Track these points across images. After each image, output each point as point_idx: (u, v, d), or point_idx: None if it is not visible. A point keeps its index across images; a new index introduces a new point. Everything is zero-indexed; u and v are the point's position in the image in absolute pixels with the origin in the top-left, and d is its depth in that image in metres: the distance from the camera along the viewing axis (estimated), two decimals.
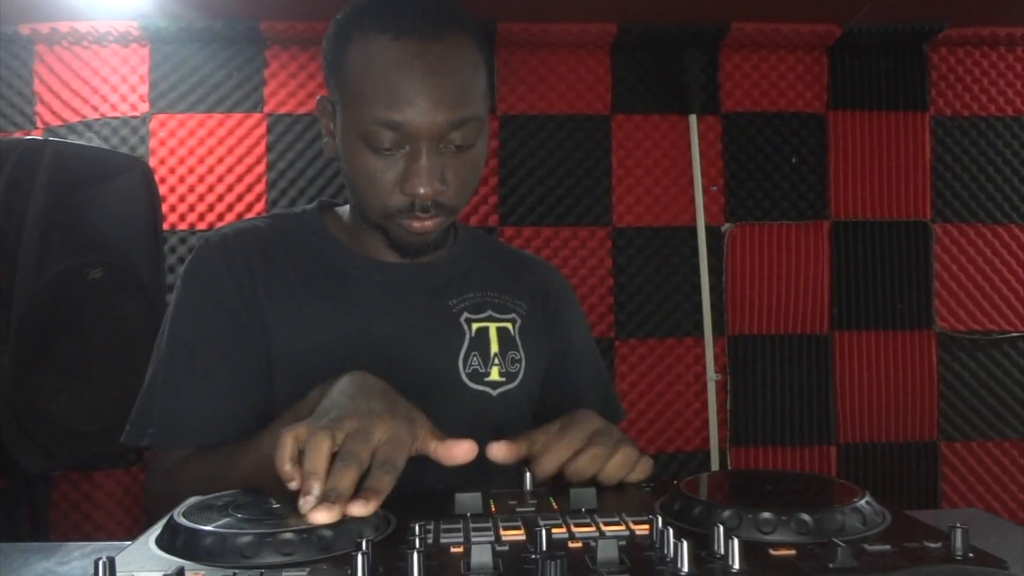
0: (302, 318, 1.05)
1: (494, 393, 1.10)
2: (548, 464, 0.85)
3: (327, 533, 0.62)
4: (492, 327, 1.12)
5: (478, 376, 1.10)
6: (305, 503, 0.65)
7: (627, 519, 0.67)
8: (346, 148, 1.01)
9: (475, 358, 1.10)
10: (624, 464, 0.86)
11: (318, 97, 1.08)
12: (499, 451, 0.86)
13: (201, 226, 2.40)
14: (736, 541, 0.56)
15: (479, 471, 0.86)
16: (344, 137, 1.01)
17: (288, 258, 1.09)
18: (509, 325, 1.14)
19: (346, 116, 1.00)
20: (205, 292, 1.06)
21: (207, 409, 1.02)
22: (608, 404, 1.25)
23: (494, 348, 1.11)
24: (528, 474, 0.82)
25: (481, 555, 0.57)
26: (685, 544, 0.56)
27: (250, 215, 2.40)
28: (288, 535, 0.60)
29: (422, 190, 0.97)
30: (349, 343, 1.05)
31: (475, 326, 1.11)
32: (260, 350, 1.04)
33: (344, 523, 0.64)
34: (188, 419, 1.02)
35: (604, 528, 0.66)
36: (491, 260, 1.22)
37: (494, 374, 1.11)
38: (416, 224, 1.01)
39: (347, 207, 1.16)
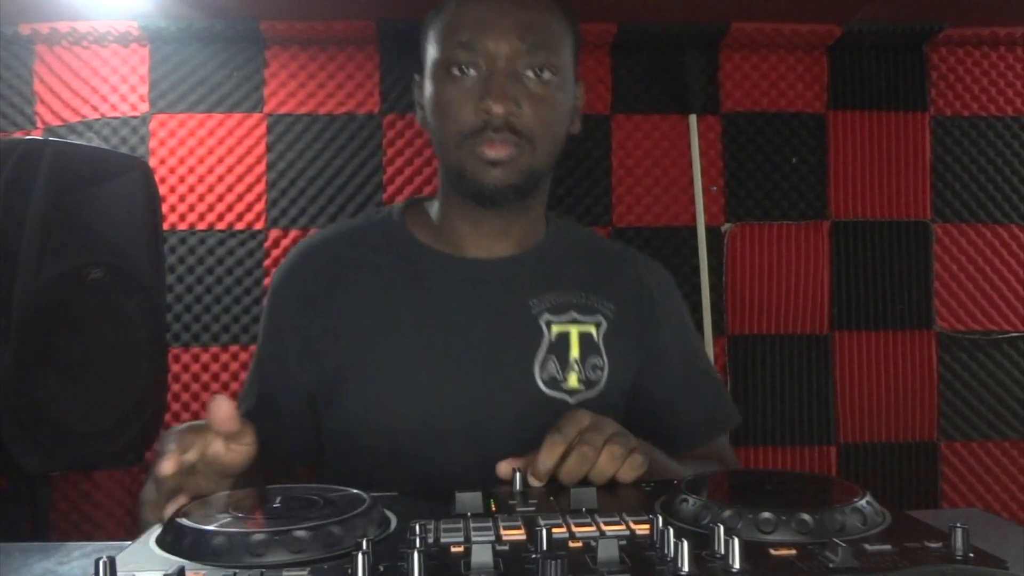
0: (377, 324, 1.06)
1: (572, 401, 1.05)
2: (540, 467, 0.82)
3: (329, 532, 0.62)
4: (574, 330, 1.07)
5: (555, 383, 1.05)
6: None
7: (627, 519, 0.67)
8: (430, 90, 1.04)
9: (552, 363, 1.05)
10: (609, 462, 0.83)
11: (414, 77, 1.12)
12: (505, 469, 0.84)
13: (201, 226, 2.40)
14: (736, 541, 0.56)
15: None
16: (429, 82, 1.05)
17: (367, 265, 1.10)
18: (593, 329, 1.09)
19: (432, 60, 1.04)
20: (271, 316, 1.14)
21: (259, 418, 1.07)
22: (718, 408, 1.20)
23: (574, 353, 1.07)
24: (518, 475, 0.81)
25: (481, 555, 0.57)
26: (685, 544, 0.56)
27: (250, 215, 2.40)
28: (289, 534, 0.60)
29: (494, 106, 0.97)
30: (422, 348, 1.04)
31: (555, 329, 1.07)
32: (306, 378, 1.08)
33: (347, 522, 0.64)
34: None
35: (604, 528, 0.66)
36: (583, 255, 1.16)
37: (572, 381, 1.06)
38: (489, 150, 1.00)
39: (436, 201, 1.16)
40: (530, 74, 1.00)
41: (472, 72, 1.00)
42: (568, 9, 1.07)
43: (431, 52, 1.05)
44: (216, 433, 0.80)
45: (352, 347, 1.06)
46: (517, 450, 0.98)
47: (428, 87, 1.06)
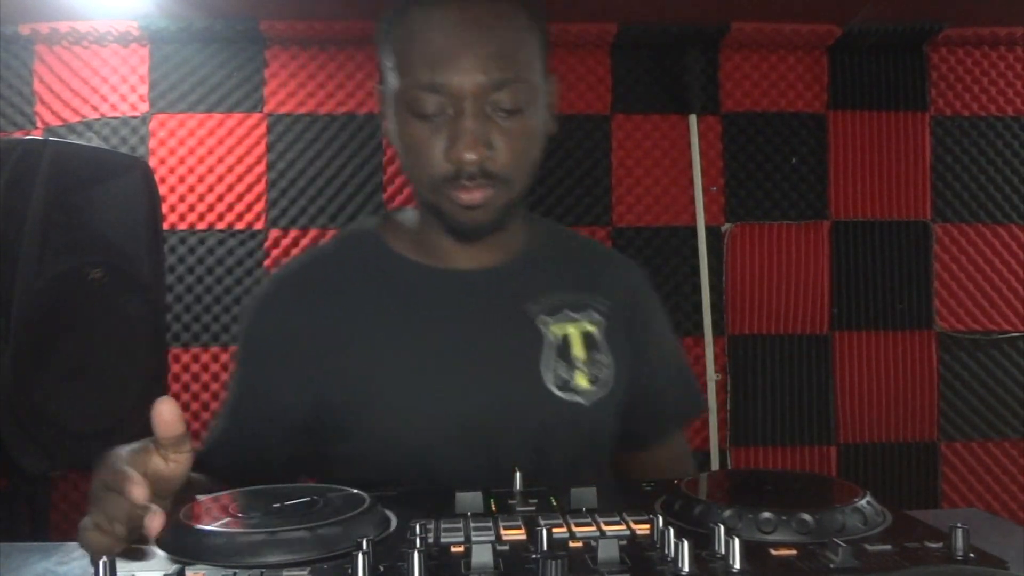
0: (374, 348, 1.02)
1: (586, 403, 1.02)
2: None
3: (329, 532, 0.62)
4: (574, 329, 1.05)
5: (565, 385, 1.02)
6: None
7: (628, 519, 0.67)
8: (396, 124, 0.98)
9: (559, 365, 1.03)
10: None
11: (375, 86, 1.05)
12: None
13: (201, 226, 2.40)
14: (737, 541, 0.56)
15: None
16: (394, 114, 0.98)
17: (349, 288, 1.05)
18: (592, 327, 1.06)
19: (394, 90, 0.97)
20: (248, 354, 1.08)
21: (221, 446, 1.05)
22: (687, 397, 1.20)
23: (576, 352, 1.04)
24: (518, 475, 0.81)
25: (482, 554, 0.57)
26: (686, 544, 0.55)
27: (250, 215, 2.40)
28: (289, 534, 0.60)
29: (465, 155, 0.92)
30: (425, 367, 1.01)
31: (554, 330, 1.04)
32: (296, 413, 1.03)
33: (347, 522, 0.64)
34: (206, 449, 1.06)
35: (605, 528, 0.66)
36: (569, 256, 1.14)
37: (580, 380, 1.03)
38: (464, 195, 0.95)
39: (412, 211, 1.11)
40: (503, 105, 0.93)
41: (438, 113, 0.93)
42: (533, 6, 0.99)
43: (390, 79, 0.98)
44: (156, 446, 0.77)
45: (353, 378, 1.02)
46: (537, 458, 0.97)
47: (391, 118, 0.99)
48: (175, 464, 0.78)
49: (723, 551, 0.57)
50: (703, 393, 1.23)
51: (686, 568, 0.55)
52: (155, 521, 0.68)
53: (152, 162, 2.33)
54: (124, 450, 0.77)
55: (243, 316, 1.11)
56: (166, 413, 0.77)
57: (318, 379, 1.02)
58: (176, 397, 2.31)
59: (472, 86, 0.91)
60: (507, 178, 0.96)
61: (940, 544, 0.59)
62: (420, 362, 1.01)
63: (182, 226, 2.39)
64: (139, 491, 0.69)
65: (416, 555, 0.53)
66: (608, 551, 0.57)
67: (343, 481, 0.86)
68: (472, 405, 1.01)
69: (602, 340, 1.06)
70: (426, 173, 0.96)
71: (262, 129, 2.41)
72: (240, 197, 2.41)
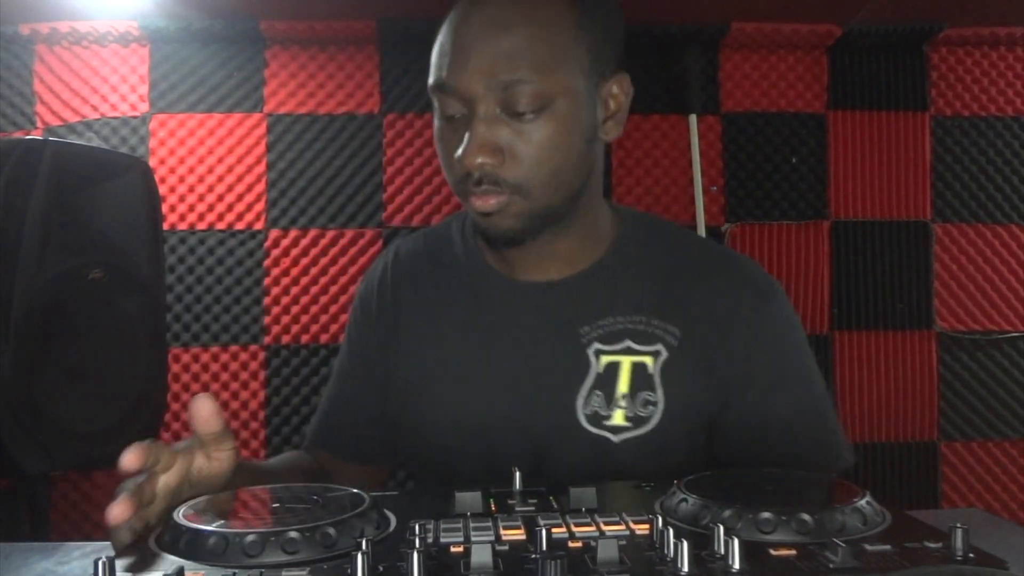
0: (435, 346, 1.04)
1: (615, 440, 0.95)
2: None
3: (329, 532, 0.62)
4: (626, 362, 0.96)
5: (597, 419, 0.96)
6: None
7: (627, 519, 0.67)
8: (434, 125, 0.97)
9: (597, 398, 0.96)
10: None
11: None
12: None
13: (201, 226, 2.40)
14: (736, 541, 0.56)
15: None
16: (434, 115, 0.97)
17: (435, 282, 1.08)
18: (649, 360, 0.96)
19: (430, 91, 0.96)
20: (352, 324, 1.16)
21: (330, 422, 1.16)
22: (822, 447, 1.00)
23: (622, 388, 0.96)
24: (518, 474, 0.81)
25: (481, 555, 0.57)
26: (685, 544, 0.55)
27: (250, 215, 2.40)
28: (289, 534, 0.60)
29: (467, 160, 0.88)
30: (471, 375, 1.01)
31: (604, 360, 0.97)
32: (379, 384, 1.10)
33: (346, 522, 0.64)
34: (315, 427, 1.17)
35: (604, 528, 0.66)
36: (653, 268, 1.02)
37: (617, 418, 0.95)
38: (477, 202, 0.91)
39: None
40: (515, 108, 0.88)
41: (456, 115, 0.91)
42: (581, 4, 0.91)
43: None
44: (200, 441, 0.79)
45: (416, 366, 1.05)
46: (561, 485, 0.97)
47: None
48: (217, 462, 0.80)
49: (723, 551, 0.57)
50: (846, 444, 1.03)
51: (686, 568, 0.55)
52: (115, 509, 0.67)
53: (152, 162, 2.33)
54: (160, 443, 0.78)
55: (360, 287, 1.17)
56: (203, 410, 0.77)
57: (394, 356, 1.07)
58: (176, 397, 2.32)
59: (479, 87, 0.88)
60: (523, 186, 0.90)
61: (940, 544, 0.59)
62: (468, 369, 1.02)
63: (182, 226, 2.39)
64: (129, 457, 0.70)
65: (416, 555, 0.53)
66: (607, 551, 0.57)
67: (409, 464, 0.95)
68: (504, 422, 0.99)
69: (657, 374, 0.96)
70: (449, 175, 0.95)
71: (262, 129, 2.41)
72: (240, 197, 2.41)
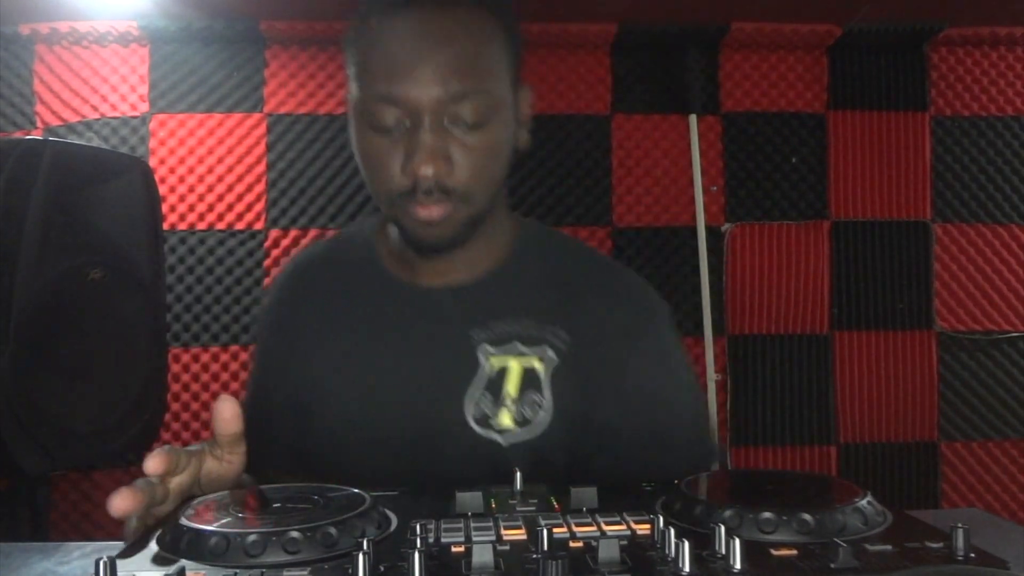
0: (338, 356, 1.03)
1: (503, 442, 0.96)
2: None
3: (329, 532, 0.62)
4: (515, 364, 0.98)
5: (485, 420, 0.96)
6: None
7: (628, 519, 0.67)
8: (355, 134, 0.94)
9: (486, 399, 0.97)
10: None
11: (346, 94, 1.01)
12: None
13: (201, 226, 2.40)
14: (737, 541, 0.56)
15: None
16: (353, 124, 0.95)
17: (337, 290, 1.07)
18: (538, 364, 0.98)
19: (354, 100, 0.93)
20: (260, 331, 1.14)
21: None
22: (694, 454, 1.02)
23: (509, 389, 0.97)
24: (518, 473, 0.81)
25: (482, 555, 0.57)
26: (686, 544, 0.55)
27: (250, 215, 2.40)
28: (290, 534, 0.60)
29: (422, 170, 0.88)
30: (372, 383, 1.01)
31: (493, 361, 0.98)
32: (287, 395, 1.07)
33: (347, 522, 0.64)
34: None
35: (605, 528, 0.66)
36: (547, 276, 1.04)
37: (503, 419, 0.96)
38: (421, 211, 0.91)
39: None
40: (464, 119, 0.89)
41: (395, 125, 0.90)
42: (500, 10, 0.94)
43: (352, 85, 0.94)
44: (210, 448, 0.80)
45: (320, 377, 1.04)
46: (451, 488, 0.98)
47: (352, 124, 0.95)
48: (228, 464, 0.81)
49: (723, 551, 0.57)
50: (716, 441, 1.06)
51: (686, 568, 0.55)
52: (116, 500, 0.70)
53: (152, 162, 2.33)
54: (178, 447, 0.79)
55: (268, 296, 1.15)
56: (227, 411, 0.79)
57: (290, 372, 1.06)
58: (176, 397, 2.32)
59: (429, 99, 0.88)
60: (466, 194, 0.92)
61: (940, 544, 0.59)
62: (360, 376, 1.01)
63: (182, 226, 2.39)
64: (154, 463, 0.73)
65: (416, 555, 0.53)
66: (608, 551, 0.57)
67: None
68: (396, 426, 1.00)
69: (546, 379, 0.97)
70: (384, 187, 0.93)
71: (262, 129, 2.41)
72: (240, 197, 2.41)
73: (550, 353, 0.98)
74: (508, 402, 0.96)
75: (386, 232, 1.08)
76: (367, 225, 1.13)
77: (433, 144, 0.88)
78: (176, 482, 0.77)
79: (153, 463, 0.73)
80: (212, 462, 0.81)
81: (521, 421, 0.96)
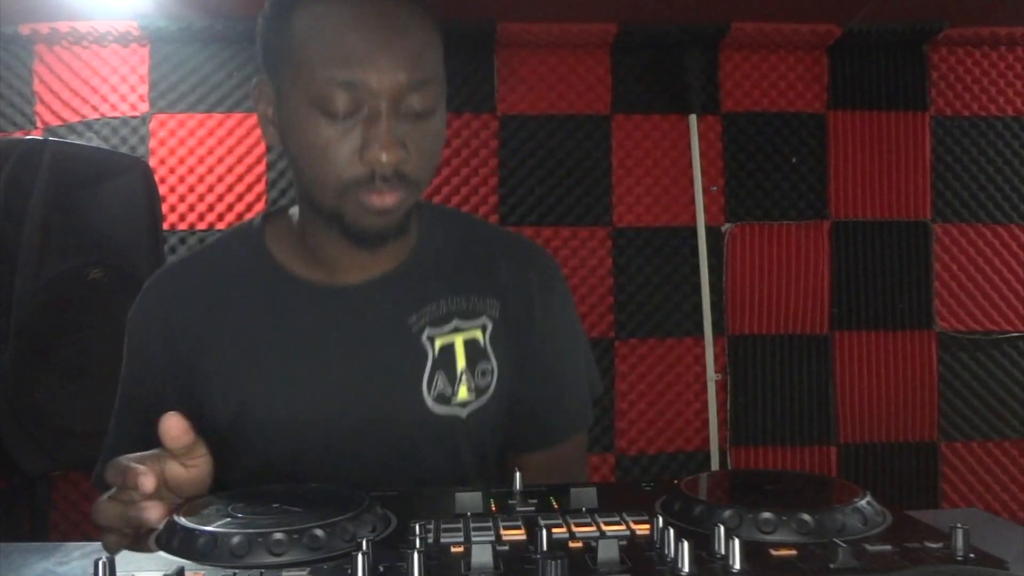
0: (245, 368, 0.98)
1: (464, 414, 0.99)
2: None
3: (329, 532, 0.62)
4: (458, 340, 1.00)
5: (444, 399, 0.99)
6: None
7: (628, 519, 0.67)
8: (294, 123, 0.91)
9: (440, 379, 0.99)
10: None
11: (253, 81, 0.98)
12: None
13: (201, 226, 2.40)
14: (737, 541, 0.56)
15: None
16: (292, 112, 0.91)
17: (229, 299, 1.01)
18: (478, 333, 1.02)
19: (294, 87, 0.90)
20: (132, 354, 1.05)
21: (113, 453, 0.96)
22: (576, 412, 1.10)
23: (460, 364, 1.00)
24: (518, 474, 0.81)
25: (482, 555, 0.57)
26: (686, 544, 0.55)
27: (250, 215, 2.40)
28: (289, 534, 0.60)
29: (384, 156, 0.87)
30: (300, 390, 0.98)
31: (439, 343, 1.00)
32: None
33: (346, 521, 0.64)
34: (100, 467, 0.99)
35: (605, 528, 0.66)
36: (460, 253, 1.07)
37: (462, 393, 0.99)
38: (376, 199, 0.90)
39: (296, 210, 1.04)
40: (415, 107, 0.90)
41: (348, 113, 0.88)
42: (431, 10, 0.96)
43: (289, 75, 0.91)
44: (171, 454, 0.79)
45: (228, 392, 0.98)
46: (413, 473, 0.97)
47: (289, 119, 0.92)
48: (195, 469, 0.81)
49: (723, 551, 0.57)
50: (590, 406, 1.14)
51: (686, 568, 0.55)
52: (154, 512, 0.72)
53: (152, 162, 2.33)
54: (132, 456, 0.78)
55: (128, 328, 1.06)
56: (173, 429, 0.78)
57: (191, 383, 0.99)
58: None
59: (391, 85, 0.88)
60: (418, 181, 0.93)
61: (940, 544, 0.59)
62: (296, 386, 0.98)
63: (182, 226, 2.39)
64: (147, 480, 0.73)
65: (416, 555, 0.53)
66: (608, 551, 0.57)
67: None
68: (347, 429, 0.97)
69: (487, 345, 1.02)
70: (334, 177, 0.90)
71: None
72: (240, 197, 2.41)
73: (485, 321, 1.03)
74: (462, 376, 1.00)
75: (281, 225, 1.05)
76: (248, 227, 1.06)
77: (394, 130, 0.89)
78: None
79: (148, 481, 0.74)
80: (178, 468, 0.80)
81: (477, 390, 1.00)
